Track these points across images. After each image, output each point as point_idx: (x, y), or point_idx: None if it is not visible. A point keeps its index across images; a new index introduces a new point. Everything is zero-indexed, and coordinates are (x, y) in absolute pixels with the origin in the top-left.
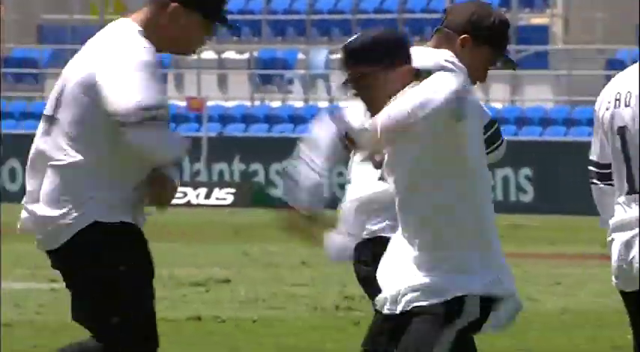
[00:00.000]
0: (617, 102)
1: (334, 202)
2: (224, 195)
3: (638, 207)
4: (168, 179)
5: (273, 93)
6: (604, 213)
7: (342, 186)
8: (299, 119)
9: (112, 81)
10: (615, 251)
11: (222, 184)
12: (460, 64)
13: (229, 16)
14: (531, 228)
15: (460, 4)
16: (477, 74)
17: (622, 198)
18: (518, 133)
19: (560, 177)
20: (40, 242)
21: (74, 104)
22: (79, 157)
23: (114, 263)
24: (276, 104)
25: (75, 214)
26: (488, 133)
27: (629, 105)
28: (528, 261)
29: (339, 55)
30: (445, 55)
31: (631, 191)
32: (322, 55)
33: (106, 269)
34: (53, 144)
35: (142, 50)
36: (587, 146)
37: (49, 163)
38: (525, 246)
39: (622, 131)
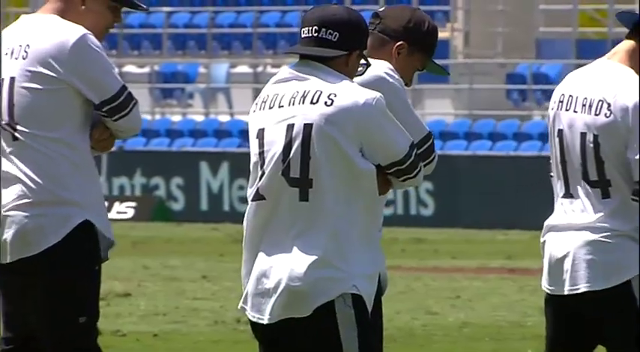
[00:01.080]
0: (560, 104)
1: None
2: (124, 209)
3: (572, 209)
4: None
5: (174, 107)
6: None
7: (244, 200)
8: (200, 133)
9: (92, 73)
10: (547, 252)
11: (122, 198)
12: (398, 77)
13: (130, 31)
14: (432, 241)
15: (394, 9)
16: (406, 80)
17: (560, 200)
18: None
19: (461, 190)
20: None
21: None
22: None
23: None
24: (176, 118)
25: None
26: (424, 147)
27: (568, 110)
28: (429, 274)
29: (238, 69)
30: (384, 67)
31: (566, 194)
32: (223, 69)
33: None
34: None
35: (92, 37)
36: (487, 160)
37: None
38: (426, 260)
39: (560, 134)
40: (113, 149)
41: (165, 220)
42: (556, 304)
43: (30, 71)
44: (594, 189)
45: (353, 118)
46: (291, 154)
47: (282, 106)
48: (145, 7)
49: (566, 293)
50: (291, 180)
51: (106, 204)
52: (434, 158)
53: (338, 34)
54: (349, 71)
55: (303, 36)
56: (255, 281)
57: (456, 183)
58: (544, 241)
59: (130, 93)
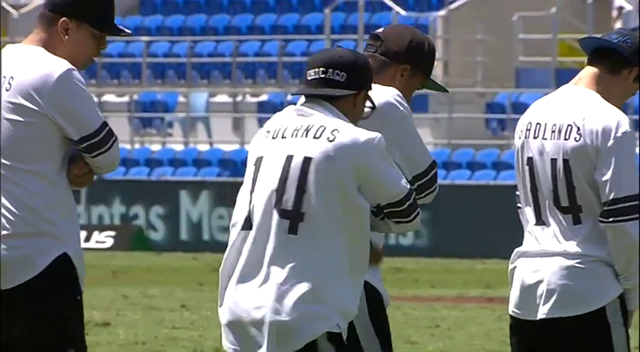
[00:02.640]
0: (528, 132)
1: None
2: (103, 239)
3: (544, 236)
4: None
5: (153, 136)
6: None
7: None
8: (179, 162)
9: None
10: (518, 278)
11: (101, 227)
12: (405, 103)
13: (109, 60)
14: (411, 270)
15: (394, 30)
16: (407, 101)
17: (530, 228)
18: None
19: (440, 220)
20: None
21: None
22: None
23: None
24: (156, 147)
25: None
26: (429, 176)
27: (537, 137)
28: (408, 303)
29: (217, 99)
30: (393, 94)
31: (538, 221)
32: (202, 98)
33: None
34: None
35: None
36: (466, 189)
37: None
38: (405, 289)
39: (530, 161)
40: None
41: (145, 249)
42: (523, 330)
43: (13, 103)
44: (566, 215)
45: (352, 156)
46: (287, 186)
47: (285, 137)
48: (128, 31)
49: (539, 318)
50: (282, 211)
51: (85, 233)
52: (436, 188)
53: (345, 75)
54: (356, 112)
55: (309, 78)
56: (238, 312)
57: (435, 212)
58: (514, 267)
59: (110, 130)
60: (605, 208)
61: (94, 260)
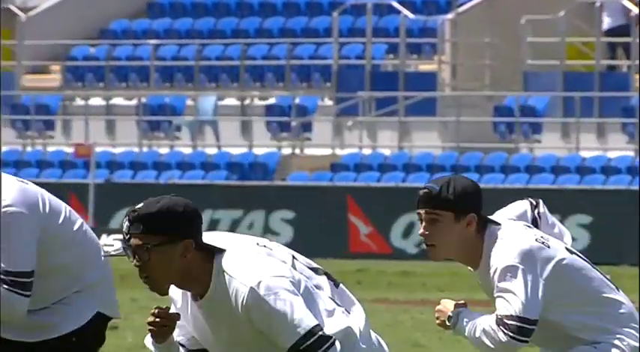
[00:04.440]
0: None
1: None
2: (112, 242)
3: None
4: None
5: (161, 139)
6: None
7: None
8: (187, 165)
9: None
10: None
11: (109, 231)
12: None
13: (118, 63)
14: (420, 274)
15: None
16: None
17: None
18: (406, 179)
19: None
20: None
21: None
22: None
23: None
24: (164, 150)
25: None
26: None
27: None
28: (416, 307)
29: (226, 102)
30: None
31: None
32: (210, 101)
33: None
34: None
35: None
36: None
37: None
38: (414, 293)
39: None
40: (100, 181)
41: None
42: None
43: None
44: None
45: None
46: None
47: None
48: None
49: None
50: None
51: (94, 236)
52: None
53: None
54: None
55: None
56: None
57: None
58: None
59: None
60: None
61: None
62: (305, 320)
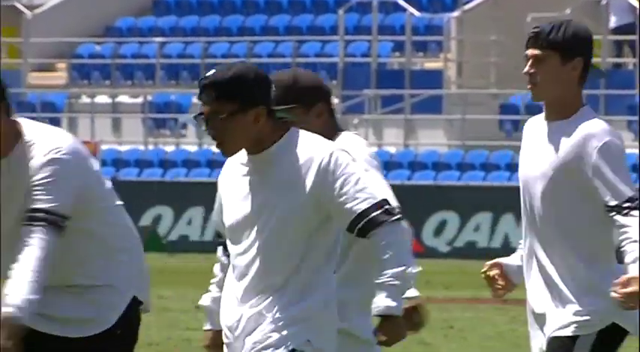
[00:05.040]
0: None
1: None
2: None
3: None
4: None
5: (167, 137)
6: None
7: None
8: (193, 163)
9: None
10: None
11: None
12: None
13: (123, 61)
14: (425, 272)
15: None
16: None
17: None
18: (412, 177)
19: (454, 221)
20: None
21: None
22: None
23: None
24: (170, 148)
25: None
26: None
27: None
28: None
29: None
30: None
31: None
32: None
33: None
34: None
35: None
36: (480, 190)
37: None
38: (419, 290)
39: None
40: (106, 179)
41: (158, 250)
42: None
43: None
44: None
45: None
46: None
47: None
48: None
49: None
50: None
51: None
52: None
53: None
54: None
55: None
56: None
57: (450, 213)
58: None
59: None
60: None
61: None
62: (377, 192)
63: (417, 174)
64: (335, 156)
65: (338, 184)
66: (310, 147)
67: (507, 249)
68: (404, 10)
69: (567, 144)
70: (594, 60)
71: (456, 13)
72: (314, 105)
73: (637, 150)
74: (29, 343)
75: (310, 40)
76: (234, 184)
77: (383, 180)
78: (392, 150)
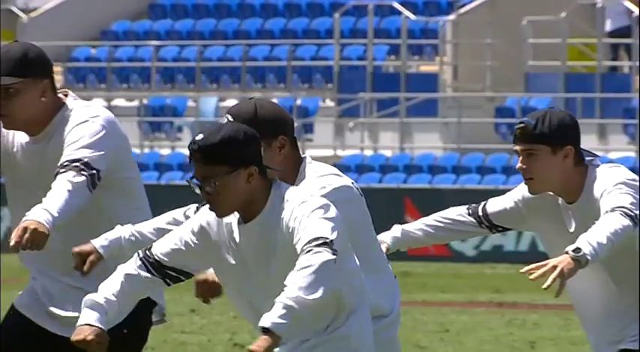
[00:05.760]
0: None
1: None
2: None
3: None
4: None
5: (163, 140)
6: None
7: None
8: (188, 167)
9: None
10: None
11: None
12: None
13: (119, 64)
14: (420, 275)
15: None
16: None
17: None
18: (408, 180)
19: None
20: None
21: None
22: None
23: None
24: (165, 151)
25: None
26: None
27: None
28: (417, 308)
29: (227, 103)
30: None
31: None
32: (212, 102)
33: None
34: None
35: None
36: (476, 193)
37: None
38: (414, 294)
39: None
40: None
41: None
42: None
43: None
44: None
45: None
46: None
47: None
48: None
49: None
50: None
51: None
52: None
53: None
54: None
55: None
56: None
57: None
58: None
59: None
60: None
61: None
62: (330, 232)
63: (413, 177)
64: (305, 203)
65: (297, 225)
66: (286, 207)
67: (499, 253)
68: (399, 13)
69: (594, 216)
70: (590, 63)
71: (451, 17)
72: (275, 139)
73: (633, 154)
74: (36, 341)
75: (306, 44)
76: (231, 257)
77: (335, 220)
78: (387, 153)
